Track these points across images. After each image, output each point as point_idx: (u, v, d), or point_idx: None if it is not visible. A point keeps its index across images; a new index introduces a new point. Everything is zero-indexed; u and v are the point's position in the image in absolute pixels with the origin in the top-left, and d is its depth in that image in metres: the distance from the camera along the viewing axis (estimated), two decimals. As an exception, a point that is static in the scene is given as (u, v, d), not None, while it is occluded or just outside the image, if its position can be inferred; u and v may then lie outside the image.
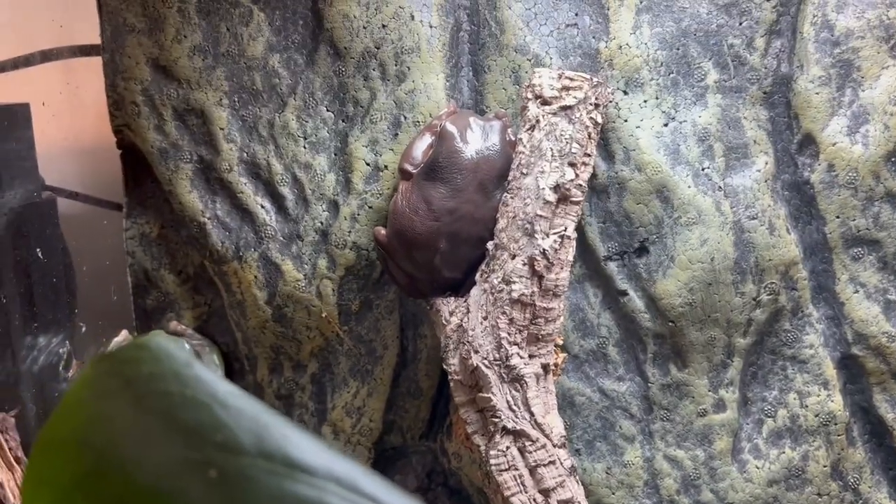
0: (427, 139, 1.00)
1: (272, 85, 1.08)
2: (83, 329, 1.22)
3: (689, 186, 1.03)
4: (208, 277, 1.16)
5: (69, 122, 1.31)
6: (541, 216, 0.93)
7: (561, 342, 1.02)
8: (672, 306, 1.04)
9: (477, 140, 0.97)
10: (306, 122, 1.08)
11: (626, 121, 1.03)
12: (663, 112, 1.04)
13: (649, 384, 1.07)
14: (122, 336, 1.17)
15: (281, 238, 1.09)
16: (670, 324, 1.05)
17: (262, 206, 1.10)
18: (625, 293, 1.05)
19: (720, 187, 1.04)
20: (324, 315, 1.09)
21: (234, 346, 1.18)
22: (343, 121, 1.07)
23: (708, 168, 1.04)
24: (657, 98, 1.04)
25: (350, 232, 1.07)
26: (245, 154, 1.09)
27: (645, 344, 1.06)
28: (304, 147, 1.08)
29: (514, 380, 0.95)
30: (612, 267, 1.05)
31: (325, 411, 1.14)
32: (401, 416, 1.14)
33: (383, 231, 1.01)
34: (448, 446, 1.13)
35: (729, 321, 1.05)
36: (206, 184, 1.11)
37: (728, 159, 1.04)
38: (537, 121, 0.95)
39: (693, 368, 1.06)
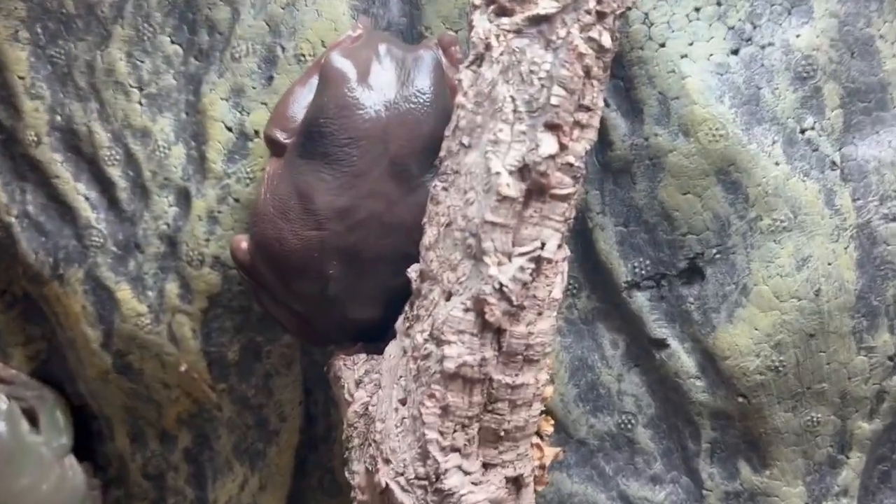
0: (314, 85, 0.58)
1: (89, 5, 0.67)
2: None
3: (778, 163, 0.58)
4: (43, 300, 0.77)
5: None
6: (494, 224, 0.50)
7: (550, 430, 0.59)
8: (744, 370, 0.60)
9: (389, 85, 0.55)
10: (141, 62, 0.67)
11: (662, 45, 0.58)
12: (730, 29, 0.58)
13: (704, 491, 0.64)
14: (-73, 384, 0.80)
15: (113, 248, 0.69)
16: (740, 398, 0.61)
17: (86, 199, 0.70)
18: (664, 343, 0.62)
19: (834, 163, 0.58)
20: (183, 368, 0.69)
21: (86, 397, 0.80)
22: (195, 58, 0.66)
23: (812, 129, 0.58)
24: (719, 4, 0.58)
25: (208, 240, 0.66)
26: (58, 117, 0.69)
27: (698, 427, 0.63)
28: (140, 103, 0.67)
29: (452, 513, 0.53)
30: (642, 300, 0.62)
31: (206, 503, 0.75)
32: (312, 521, 0.74)
33: (244, 243, 0.60)
34: (383, 570, 0.73)
35: (844, 395, 0.61)
36: (10, 163, 0.72)
37: (850, 112, 0.58)
38: (488, 46, 0.52)
39: (779, 469, 0.63)
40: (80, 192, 0.70)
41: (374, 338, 0.61)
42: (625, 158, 0.60)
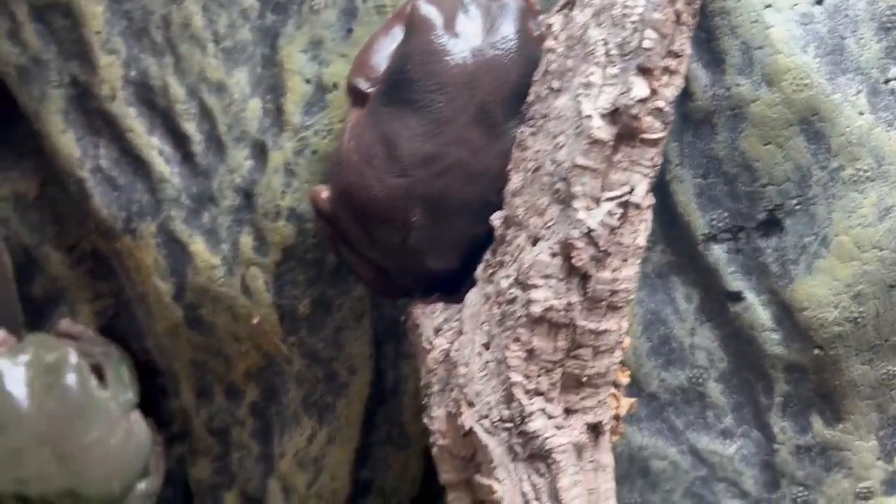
0: (397, 35, 0.58)
1: (166, -42, 0.68)
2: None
3: (862, 113, 0.58)
4: (111, 257, 0.79)
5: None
6: (585, 167, 0.51)
7: (626, 381, 0.60)
8: (822, 322, 0.60)
9: (475, 32, 0.55)
10: (217, 16, 0.67)
11: (747, -5, 0.58)
12: (816, -21, 0.58)
13: (776, 444, 0.64)
14: (-1, 338, 0.81)
15: (187, 201, 0.70)
16: (817, 350, 0.61)
17: (160, 152, 0.71)
18: (739, 296, 0.62)
19: (919, 113, 0.58)
20: (256, 321, 0.70)
21: (153, 353, 0.81)
22: (272, 11, 0.66)
23: (897, 79, 0.58)
24: (806, -47, 0.58)
25: (284, 192, 0.67)
26: (133, 71, 0.70)
27: (771, 380, 0.63)
28: (216, 57, 0.68)
29: (537, 456, 0.54)
30: (718, 252, 0.62)
31: (272, 457, 0.76)
32: (380, 474, 0.75)
33: (325, 193, 0.61)
34: (450, 523, 0.74)
35: (923, 347, 0.61)
36: (84, 118, 0.73)
37: (934, 63, 0.58)
38: (580, -10, 0.52)
39: (853, 423, 0.63)
40: (154, 146, 0.71)
41: (449, 289, 0.62)
42: (705, 109, 0.60)
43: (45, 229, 0.81)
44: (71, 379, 0.76)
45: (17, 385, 0.75)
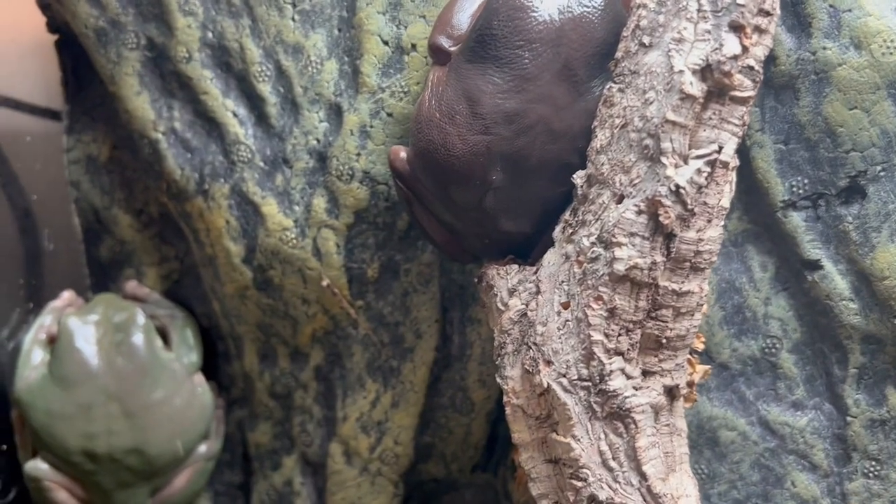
0: (479, -5, 0.58)
1: (246, -79, 0.68)
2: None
3: (953, 77, 0.57)
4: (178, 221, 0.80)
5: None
6: (675, 123, 0.50)
7: (701, 346, 0.60)
8: (903, 291, 0.59)
9: (562, -10, 0.55)
10: (296, -22, 0.68)
11: (837, -43, 0.57)
12: (908, -59, 0.57)
13: (849, 417, 0.63)
14: (65, 298, 0.83)
15: (260, 163, 0.71)
16: (895, 321, 0.60)
17: (235, 115, 0.71)
18: (817, 265, 0.61)
19: None
20: (325, 283, 0.71)
21: (216, 317, 0.82)
22: (351, -26, 0.67)
23: None
24: (898, -85, 0.57)
25: (359, 154, 0.67)
26: (210, 33, 0.71)
27: (846, 351, 0.63)
28: (293, 19, 0.68)
29: (615, 415, 0.54)
30: (797, 220, 0.61)
31: (334, 421, 0.77)
32: (442, 440, 0.75)
33: (403, 153, 0.61)
34: (513, 490, 0.74)
35: None
36: (159, 81, 0.74)
37: None
38: (674, -55, 0.52)
39: (930, 396, 0.62)
40: (228, 108, 0.71)
41: (519, 253, 0.62)
42: (789, 73, 0.59)
43: (114, 192, 0.82)
44: (138, 339, 0.77)
45: (87, 343, 0.77)
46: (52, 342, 0.78)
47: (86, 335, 0.77)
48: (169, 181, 0.75)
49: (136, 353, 0.77)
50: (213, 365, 0.83)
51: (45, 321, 0.79)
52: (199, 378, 0.81)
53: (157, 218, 0.82)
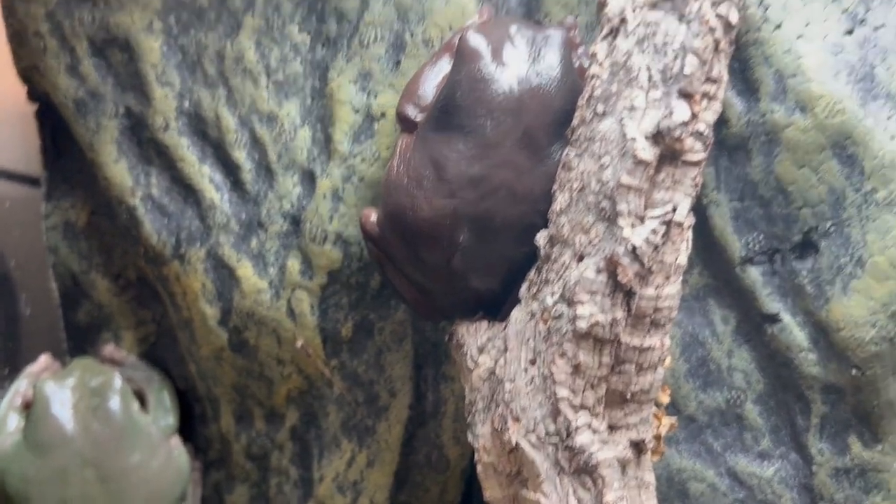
0: (444, 66, 0.61)
1: (221, -3, 0.72)
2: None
3: (893, 137, 0.60)
4: (155, 284, 0.81)
5: None
6: (629, 186, 0.53)
7: (667, 399, 0.61)
8: (858, 342, 0.61)
9: (521, 61, 0.58)
10: (269, 50, 0.71)
11: (778, 27, 0.61)
12: (844, 11, 0.61)
13: (814, 467, 0.65)
14: (42, 363, 0.84)
15: (235, 227, 0.73)
16: (854, 371, 0.62)
17: (210, 180, 0.74)
18: (776, 318, 0.63)
19: (948, 139, 0.60)
20: (300, 344, 0.72)
21: (192, 379, 0.82)
22: (322, 45, 0.70)
23: (926, 106, 0.61)
24: (835, -13, 0.61)
25: (332, 217, 0.69)
26: (186, 103, 0.73)
27: (808, 402, 0.64)
28: (268, 89, 0.71)
29: (583, 470, 0.55)
30: (755, 274, 0.63)
31: (311, 482, 0.77)
32: (418, 498, 0.75)
33: (374, 216, 0.63)
34: (488, 547, 0.74)
35: (959, 368, 0.62)
36: (137, 148, 0.76)
37: (961, 91, 0.61)
38: (623, 20, 0.55)
39: (891, 444, 0.64)
40: (204, 175, 0.73)
41: (490, 310, 0.64)
42: (740, 135, 0.62)
43: (92, 257, 0.83)
44: (115, 403, 0.78)
45: (63, 408, 0.77)
46: (27, 407, 0.78)
47: (62, 400, 0.77)
48: (146, 246, 0.76)
49: (112, 418, 0.77)
50: (190, 427, 0.84)
51: (20, 386, 0.80)
52: (176, 440, 0.81)
53: (134, 282, 0.83)
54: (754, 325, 0.65)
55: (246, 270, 0.72)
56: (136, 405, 0.80)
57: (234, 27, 0.71)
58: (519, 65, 0.58)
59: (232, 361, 0.76)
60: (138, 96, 0.74)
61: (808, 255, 0.62)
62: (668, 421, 0.61)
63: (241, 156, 0.72)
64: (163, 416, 0.81)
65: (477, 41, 0.58)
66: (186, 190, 0.74)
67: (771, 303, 0.63)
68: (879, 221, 0.60)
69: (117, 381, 0.79)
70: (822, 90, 0.59)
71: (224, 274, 0.73)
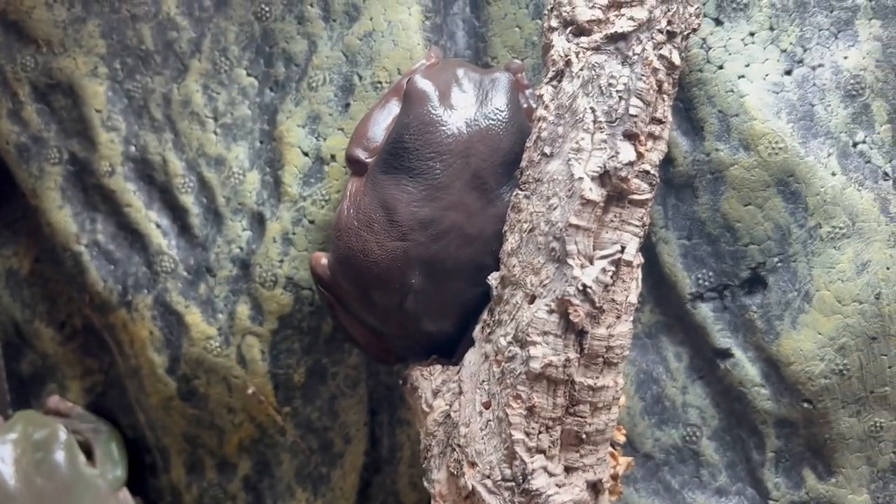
0: (392, 108, 0.61)
1: (167, 41, 0.71)
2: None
3: (834, 173, 0.61)
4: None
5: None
6: (578, 227, 0.53)
7: (623, 439, 0.61)
8: (808, 375, 0.62)
9: (469, 104, 0.58)
10: (217, 94, 0.70)
11: (720, 67, 0.62)
12: (783, 52, 0.63)
13: (770, 501, 0.65)
14: (-19, 418, 0.80)
15: (184, 273, 0.71)
16: (805, 404, 0.63)
17: (157, 225, 0.72)
18: (728, 353, 0.64)
19: (886, 174, 0.62)
20: (251, 391, 0.70)
21: (142, 429, 0.80)
22: (271, 89, 0.69)
23: (864, 142, 0.62)
24: (772, 28, 0.63)
25: (282, 261, 0.68)
26: (132, 147, 0.72)
27: (762, 436, 0.65)
28: (216, 133, 0.70)
29: (539, 514, 0.54)
30: (705, 311, 0.64)
31: (265, 533, 0.75)
32: (375, 545, 0.74)
33: (324, 259, 0.62)
34: None
35: (906, 399, 0.62)
36: (81, 194, 0.74)
37: (897, 128, 0.62)
38: (568, 62, 0.55)
39: (844, 476, 0.64)
40: (151, 220, 0.72)
41: (444, 352, 0.63)
42: (687, 174, 0.63)
43: (36, 306, 0.81)
44: (60, 456, 0.75)
45: (4, 464, 0.74)
46: (-33, 464, 0.75)
47: (3, 455, 0.74)
48: (92, 293, 0.74)
49: (57, 472, 0.74)
50: (140, 478, 0.81)
51: (-40, 442, 0.76)
52: (125, 494, 0.78)
53: (80, 330, 0.81)
54: (707, 361, 0.65)
55: (194, 317, 0.71)
56: (82, 458, 0.77)
57: (180, 71, 0.71)
58: (467, 107, 0.58)
59: (181, 410, 0.74)
60: (83, 141, 0.73)
61: (757, 291, 0.63)
62: (624, 460, 0.61)
63: (189, 200, 0.71)
64: (111, 468, 0.79)
65: (425, 84, 0.58)
66: (133, 235, 0.73)
67: (722, 338, 0.64)
68: (824, 256, 0.61)
69: (62, 434, 0.76)
70: (765, 129, 0.60)
71: (172, 321, 0.72)
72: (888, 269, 0.60)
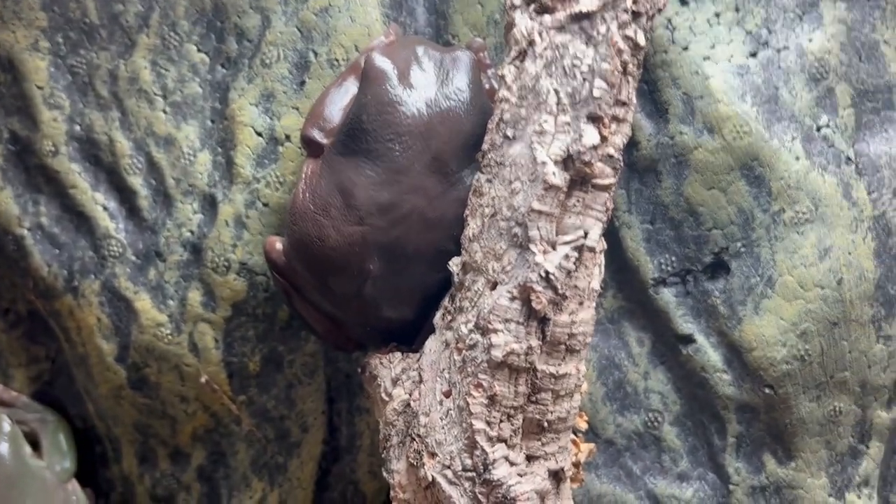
0: (350, 87, 0.59)
1: (113, 14, 0.68)
2: None
3: (798, 158, 0.61)
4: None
5: None
6: (541, 212, 0.52)
7: (584, 426, 0.60)
8: (770, 361, 0.62)
9: (429, 83, 0.56)
10: (166, 70, 0.67)
11: (685, 48, 0.61)
12: (748, 33, 0.62)
13: (731, 486, 0.65)
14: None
15: (132, 257, 0.68)
16: (767, 390, 0.62)
17: (104, 208, 0.69)
18: (690, 339, 0.63)
19: (849, 158, 0.61)
20: (204, 380, 0.68)
21: (91, 419, 0.77)
22: (222, 65, 0.67)
23: (828, 126, 0.61)
24: (737, 10, 0.62)
25: (235, 245, 0.66)
26: (77, 126, 0.69)
27: (724, 421, 0.64)
28: (165, 111, 0.67)
29: (501, 504, 0.53)
30: (668, 296, 0.63)
31: (220, 523, 0.73)
32: (333, 535, 0.72)
33: (279, 244, 0.60)
34: (408, 583, 0.72)
35: (864, 384, 0.63)
36: (23, 175, 0.71)
37: (860, 111, 0.62)
38: (531, 42, 0.54)
39: (804, 460, 0.64)
40: (98, 202, 0.69)
41: (404, 339, 0.62)
42: (650, 157, 0.62)
43: (-23, 291, 0.77)
44: (3, 448, 0.72)
45: (-55, 457, 0.71)
46: None
47: (-57, 448, 0.71)
48: (36, 278, 0.71)
49: (0, 464, 0.72)
50: (90, 470, 0.79)
51: None
52: (74, 485, 0.76)
53: (24, 316, 0.78)
54: (669, 347, 0.65)
55: (144, 303, 0.68)
56: (27, 449, 0.74)
57: (127, 46, 0.67)
58: (427, 87, 0.56)
59: (132, 400, 0.71)
60: (24, 120, 0.70)
61: (720, 276, 0.62)
62: (586, 447, 0.60)
63: (137, 181, 0.68)
64: (59, 459, 0.76)
65: (383, 63, 0.56)
66: (78, 218, 0.70)
67: (685, 324, 0.63)
68: (787, 241, 0.60)
69: (6, 425, 0.73)
70: (730, 111, 0.60)
71: (120, 307, 0.69)
72: (850, 254, 0.60)
